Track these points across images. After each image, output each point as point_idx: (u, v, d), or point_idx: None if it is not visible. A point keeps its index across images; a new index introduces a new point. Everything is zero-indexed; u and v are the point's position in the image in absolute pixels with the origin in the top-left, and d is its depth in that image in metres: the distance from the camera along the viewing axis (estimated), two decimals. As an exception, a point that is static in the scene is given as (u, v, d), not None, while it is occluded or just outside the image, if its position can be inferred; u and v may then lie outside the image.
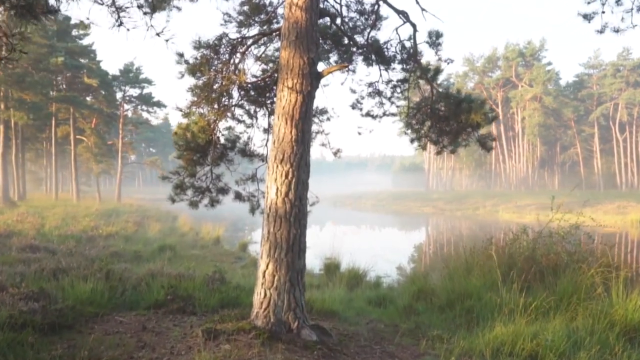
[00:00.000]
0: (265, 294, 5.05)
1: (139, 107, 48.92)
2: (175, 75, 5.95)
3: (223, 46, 6.10)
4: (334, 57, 8.64)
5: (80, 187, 63.71)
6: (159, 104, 46.59)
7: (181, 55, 6.01)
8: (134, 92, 46.63)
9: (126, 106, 46.85)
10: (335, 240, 13.24)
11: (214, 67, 6.04)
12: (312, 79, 5.23)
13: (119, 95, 45.43)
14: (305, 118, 5.16)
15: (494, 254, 7.77)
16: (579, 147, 71.43)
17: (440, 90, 6.80)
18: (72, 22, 37.48)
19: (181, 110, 6.10)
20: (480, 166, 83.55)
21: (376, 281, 11.00)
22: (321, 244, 13.66)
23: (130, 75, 44.95)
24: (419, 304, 7.65)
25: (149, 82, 46.34)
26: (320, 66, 5.85)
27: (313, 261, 13.44)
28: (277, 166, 5.10)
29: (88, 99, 40.95)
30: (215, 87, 6.03)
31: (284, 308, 5.02)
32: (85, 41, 41.32)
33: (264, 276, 5.08)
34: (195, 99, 6.06)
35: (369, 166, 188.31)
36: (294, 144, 5.09)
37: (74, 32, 40.04)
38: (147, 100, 46.75)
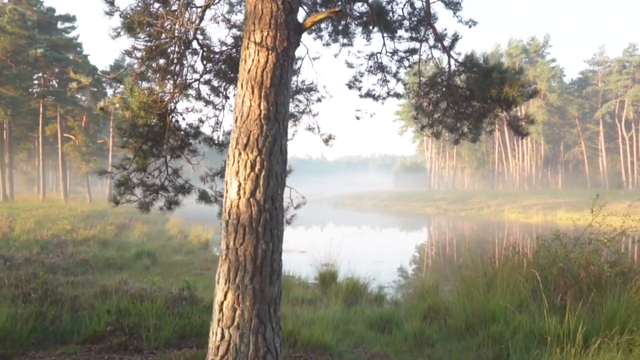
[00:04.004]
0: (223, 335, 3.55)
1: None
2: (109, 33, 4.38)
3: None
4: (327, 29, 7.19)
5: (75, 188, 62.13)
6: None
7: (111, 2, 4.41)
8: (125, 88, 44.93)
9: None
10: (333, 244, 11.75)
11: (162, 22, 4.49)
12: (290, 32, 3.73)
13: (110, 92, 43.81)
14: (279, 86, 3.65)
15: (528, 268, 6.33)
16: (583, 145, 69.80)
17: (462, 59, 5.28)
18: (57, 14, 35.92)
19: (119, 82, 4.60)
20: (482, 165, 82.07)
21: (378, 293, 9.65)
22: (318, 248, 12.19)
23: (122, 71, 43.22)
24: (431, 328, 6.35)
25: (142, 78, 44.69)
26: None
27: (307, 269, 12.04)
28: (240, 154, 3.59)
29: (78, 95, 39.29)
30: (163, 50, 4.53)
31: (249, 355, 3.52)
32: (71, 34, 39.64)
33: (221, 310, 3.57)
34: (136, 66, 4.57)
35: (370, 166, 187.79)
36: (264, 121, 3.58)
37: (60, 25, 38.39)
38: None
